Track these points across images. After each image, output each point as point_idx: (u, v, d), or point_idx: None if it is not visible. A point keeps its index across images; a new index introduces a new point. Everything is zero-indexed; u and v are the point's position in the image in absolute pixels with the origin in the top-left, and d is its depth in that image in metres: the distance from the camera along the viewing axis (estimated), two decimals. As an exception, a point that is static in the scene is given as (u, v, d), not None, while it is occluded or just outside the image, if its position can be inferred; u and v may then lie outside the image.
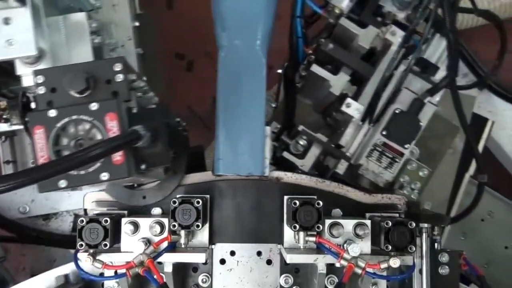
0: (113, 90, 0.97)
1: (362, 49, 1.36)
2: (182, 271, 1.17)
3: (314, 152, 1.34)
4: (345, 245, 1.08)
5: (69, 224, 1.54)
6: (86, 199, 1.19)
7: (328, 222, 1.09)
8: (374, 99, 1.31)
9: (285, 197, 1.15)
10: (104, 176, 0.91)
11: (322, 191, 1.19)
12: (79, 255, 1.06)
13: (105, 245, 1.05)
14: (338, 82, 1.36)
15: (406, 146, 1.32)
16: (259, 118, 1.19)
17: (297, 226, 1.06)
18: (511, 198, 1.98)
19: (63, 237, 1.54)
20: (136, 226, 1.09)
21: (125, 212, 1.15)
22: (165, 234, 1.09)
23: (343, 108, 1.32)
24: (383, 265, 1.05)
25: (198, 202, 1.08)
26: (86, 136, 0.93)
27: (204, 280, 1.17)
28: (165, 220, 1.09)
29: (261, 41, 1.21)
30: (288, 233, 1.14)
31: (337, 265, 1.07)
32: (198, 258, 1.08)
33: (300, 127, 1.35)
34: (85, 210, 1.19)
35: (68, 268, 1.19)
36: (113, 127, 0.93)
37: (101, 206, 1.18)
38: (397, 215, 1.17)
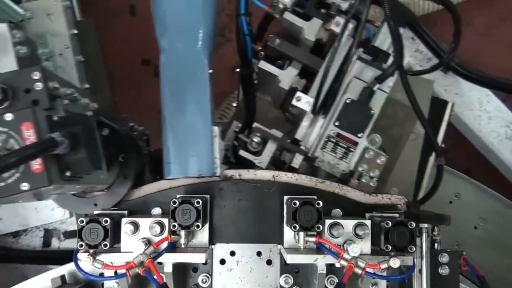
0: (33, 99, 0.95)
1: (310, 42, 1.37)
2: (182, 271, 1.17)
3: (270, 148, 1.34)
4: (345, 245, 1.08)
5: (39, 239, 1.52)
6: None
7: (328, 222, 1.09)
8: (328, 91, 1.32)
9: (285, 197, 1.15)
10: (25, 186, 0.88)
11: (322, 191, 1.19)
12: (79, 255, 1.06)
13: (105, 245, 1.05)
14: (287, 76, 1.37)
15: (359, 135, 1.32)
16: (205, 119, 1.20)
17: (297, 226, 1.06)
18: (483, 176, 2.00)
19: (34, 253, 1.52)
20: (136, 226, 1.09)
21: (125, 212, 1.15)
22: (165, 234, 1.09)
23: (294, 102, 1.33)
24: (383, 265, 1.05)
25: (198, 202, 1.08)
26: (4, 147, 0.90)
27: (204, 280, 1.17)
28: (165, 220, 1.09)
29: (202, 42, 1.21)
30: (288, 233, 1.14)
31: (337, 265, 1.08)
32: (198, 258, 1.08)
33: (255, 125, 1.35)
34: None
35: (64, 269, 1.19)
36: (30, 136, 0.90)
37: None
38: (397, 215, 1.17)
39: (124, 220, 1.09)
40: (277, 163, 1.38)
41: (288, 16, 1.38)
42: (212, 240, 1.17)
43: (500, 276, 1.73)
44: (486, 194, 1.74)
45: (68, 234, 1.49)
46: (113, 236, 1.07)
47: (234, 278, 1.17)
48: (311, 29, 1.36)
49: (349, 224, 1.10)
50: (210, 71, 1.24)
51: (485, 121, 2.01)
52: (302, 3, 1.41)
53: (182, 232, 1.09)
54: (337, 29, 1.36)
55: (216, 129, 1.21)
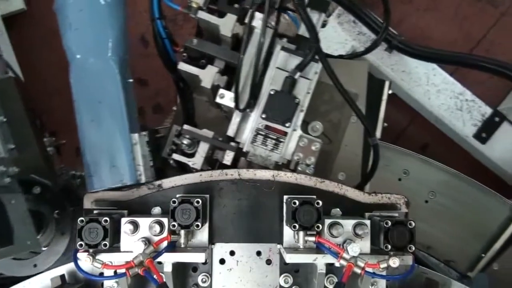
0: None
1: (229, 39, 1.37)
2: (182, 270, 1.17)
3: (203, 148, 1.35)
4: (344, 244, 1.08)
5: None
6: (86, 199, 1.19)
7: (327, 221, 1.09)
8: (253, 85, 1.33)
9: (285, 197, 1.15)
10: None
11: (322, 190, 1.19)
12: (79, 254, 1.06)
13: (105, 245, 1.05)
14: (207, 75, 1.38)
15: (287, 124, 1.33)
16: (121, 128, 1.20)
17: (297, 226, 1.06)
18: (441, 148, 2.05)
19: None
20: (135, 226, 1.09)
21: (125, 211, 1.15)
22: (165, 233, 1.09)
23: (217, 99, 1.35)
24: (383, 265, 1.05)
25: (197, 202, 1.08)
26: None
27: (204, 279, 1.17)
28: (165, 220, 1.09)
29: (112, 51, 1.21)
30: (288, 233, 1.15)
31: (337, 264, 1.07)
32: (197, 258, 1.08)
33: (184, 127, 1.36)
34: (85, 209, 1.18)
35: (63, 269, 1.19)
36: None
37: (101, 206, 1.18)
38: (396, 214, 1.17)
39: (123, 220, 1.09)
40: (211, 162, 1.39)
41: (202, 15, 1.38)
42: (211, 240, 1.17)
43: (460, 248, 1.77)
44: (433, 167, 1.76)
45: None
46: (113, 236, 1.07)
47: (234, 278, 1.17)
48: (226, 26, 1.37)
49: (348, 224, 1.10)
50: (130, 80, 1.25)
51: (435, 95, 2.05)
52: (216, 0, 1.41)
53: (182, 232, 1.10)
54: (253, 23, 1.36)
55: (136, 136, 1.21)
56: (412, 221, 1.07)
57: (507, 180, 2.00)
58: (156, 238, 1.08)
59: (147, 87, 2.23)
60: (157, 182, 1.20)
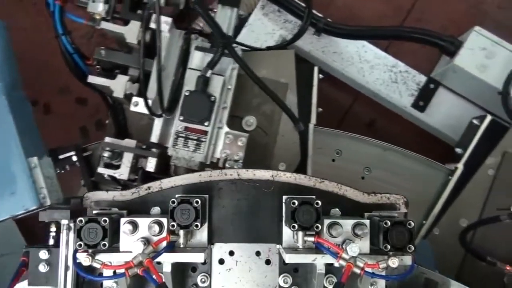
0: None
1: (135, 45, 1.37)
2: (181, 271, 1.17)
3: (127, 158, 1.36)
4: (343, 244, 1.07)
5: None
6: (85, 199, 1.19)
7: (327, 222, 1.09)
8: (172, 88, 1.36)
9: (284, 197, 1.15)
10: None
11: (321, 191, 1.19)
12: (78, 254, 1.06)
13: (104, 245, 1.05)
14: (118, 85, 1.39)
15: (206, 123, 1.34)
16: (16, 155, 1.20)
17: (296, 226, 1.06)
18: (387, 122, 2.07)
19: None
20: (135, 226, 1.09)
21: (124, 212, 1.15)
22: (164, 234, 1.09)
23: (132, 108, 1.35)
24: (382, 265, 1.04)
25: (197, 202, 1.08)
26: None
27: (203, 280, 1.17)
28: (164, 220, 1.09)
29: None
30: (287, 233, 1.14)
31: (336, 264, 1.07)
32: (197, 258, 1.08)
33: (107, 139, 1.37)
34: (84, 209, 1.18)
35: None
36: None
37: (100, 206, 1.18)
38: (395, 214, 1.17)
39: (123, 220, 1.09)
40: (136, 170, 1.39)
41: (105, 25, 1.39)
42: (211, 240, 1.17)
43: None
44: (364, 143, 1.77)
45: None
46: (112, 236, 1.07)
47: (233, 278, 1.17)
48: (130, 33, 1.37)
49: (347, 224, 1.10)
50: (27, 104, 1.23)
51: (368, 71, 2.06)
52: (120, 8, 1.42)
53: (181, 232, 1.09)
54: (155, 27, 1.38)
55: (34, 160, 1.22)
56: (411, 221, 1.07)
57: (452, 143, 2.02)
58: (155, 238, 1.08)
59: (86, 106, 2.20)
60: (157, 182, 1.20)
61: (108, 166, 1.38)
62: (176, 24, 1.48)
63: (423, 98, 2.04)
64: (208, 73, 1.36)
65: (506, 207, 1.59)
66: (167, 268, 1.09)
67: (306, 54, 2.05)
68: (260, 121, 1.58)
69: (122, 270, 1.04)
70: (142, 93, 1.35)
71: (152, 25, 1.38)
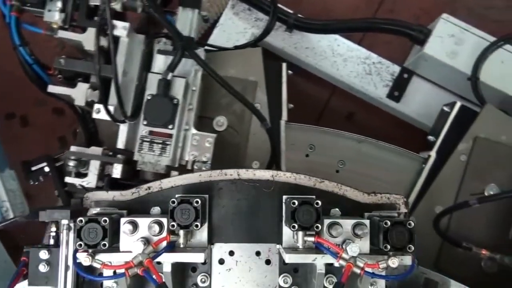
0: None
1: (94, 52, 1.37)
2: (181, 271, 1.17)
3: (94, 166, 1.36)
4: (343, 244, 1.08)
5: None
6: (85, 199, 1.19)
7: (327, 221, 1.09)
8: (135, 94, 1.37)
9: (284, 197, 1.15)
10: None
11: (321, 191, 1.19)
12: (78, 254, 1.06)
13: (104, 245, 1.05)
14: (79, 93, 1.39)
15: (170, 126, 1.35)
16: None
17: (296, 226, 1.06)
18: (366, 114, 2.04)
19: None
20: (135, 226, 1.09)
21: (124, 211, 1.15)
22: (164, 234, 1.09)
23: (94, 115, 1.36)
24: (382, 265, 1.04)
25: (197, 202, 1.08)
26: None
27: (203, 280, 1.17)
28: (164, 220, 1.09)
29: None
30: (287, 233, 1.14)
31: (336, 264, 1.07)
32: (197, 258, 1.08)
33: (72, 148, 1.38)
34: (84, 209, 1.18)
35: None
36: None
37: (100, 206, 1.18)
38: (396, 214, 1.17)
39: (123, 220, 1.09)
40: (104, 178, 1.40)
41: (62, 34, 1.38)
42: (211, 240, 1.17)
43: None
44: (337, 136, 1.75)
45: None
46: (112, 236, 1.07)
47: (233, 278, 1.17)
48: (88, 40, 1.37)
49: (347, 224, 1.10)
50: None
51: (342, 65, 2.05)
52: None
53: (181, 232, 1.10)
54: (117, 32, 1.39)
55: None
56: (411, 221, 1.07)
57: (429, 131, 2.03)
58: (156, 238, 1.08)
59: (64, 116, 2.18)
60: (157, 182, 1.20)
61: (76, 175, 1.38)
62: (147, 28, 1.49)
63: (398, 88, 2.03)
64: (169, 76, 1.36)
65: (479, 192, 1.59)
66: (167, 268, 1.09)
67: (280, 51, 2.05)
68: (231, 120, 1.58)
69: (122, 270, 1.04)
70: (101, 100, 1.35)
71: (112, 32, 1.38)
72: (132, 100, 1.43)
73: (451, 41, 1.84)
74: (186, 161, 1.43)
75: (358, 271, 1.04)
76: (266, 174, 1.19)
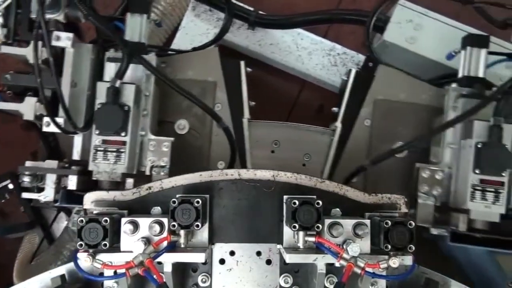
0: None
1: (34, 65, 1.34)
2: (182, 271, 1.17)
3: (51, 179, 1.37)
4: (344, 244, 1.07)
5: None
6: (86, 199, 1.19)
7: (327, 221, 1.09)
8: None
9: (285, 197, 1.15)
10: None
11: (322, 191, 1.19)
12: (79, 254, 1.06)
13: (105, 245, 1.05)
14: (27, 107, 1.39)
15: (122, 134, 1.35)
16: None
17: (297, 226, 1.06)
18: (326, 113, 2.02)
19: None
20: (135, 226, 1.09)
21: (125, 211, 1.15)
22: (165, 234, 1.09)
23: (44, 128, 1.37)
24: (383, 265, 1.05)
25: (197, 202, 1.08)
26: None
27: (204, 280, 1.17)
28: (165, 220, 1.09)
29: None
30: (288, 233, 1.14)
31: (337, 264, 1.07)
32: (197, 258, 1.08)
33: (27, 164, 1.38)
34: (84, 209, 1.18)
35: (63, 269, 1.19)
36: None
37: (101, 206, 1.18)
38: (396, 214, 1.17)
39: (123, 220, 1.09)
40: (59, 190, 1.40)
41: (6, 49, 1.38)
42: (211, 240, 1.17)
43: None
44: (300, 130, 1.73)
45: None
46: (113, 236, 1.07)
47: (234, 278, 1.17)
48: (32, 54, 1.35)
49: (348, 224, 1.10)
50: None
51: (307, 58, 2.05)
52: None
53: (182, 232, 1.09)
54: (59, 43, 1.39)
55: None
56: (412, 221, 1.07)
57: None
58: (156, 238, 1.08)
59: (33, 130, 2.18)
60: (158, 182, 1.20)
61: (36, 189, 1.39)
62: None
63: (364, 77, 2.04)
64: (117, 83, 1.35)
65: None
66: (167, 268, 1.09)
67: (244, 50, 2.04)
68: (193, 123, 1.59)
69: (123, 270, 1.04)
70: (49, 113, 1.35)
71: (55, 43, 1.38)
72: (85, 110, 1.44)
73: (409, 26, 1.83)
74: (145, 167, 1.43)
75: (358, 271, 1.04)
76: (267, 174, 1.19)
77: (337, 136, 1.66)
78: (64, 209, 1.58)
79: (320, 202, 1.07)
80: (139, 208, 1.18)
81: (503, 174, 1.35)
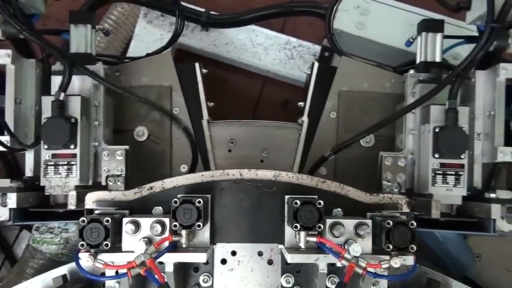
0: None
1: None
2: (183, 271, 1.18)
3: (12, 198, 1.34)
4: (346, 244, 1.07)
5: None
6: (87, 199, 1.19)
7: (329, 221, 1.09)
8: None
9: (286, 197, 1.15)
10: None
11: (323, 191, 1.19)
12: (80, 254, 1.06)
13: (106, 245, 1.05)
14: None
15: (72, 146, 1.35)
16: None
17: (298, 226, 1.06)
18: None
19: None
20: (137, 226, 1.09)
21: (126, 212, 1.15)
22: (166, 234, 1.09)
23: None
24: (384, 265, 1.04)
25: (199, 202, 1.08)
26: None
27: (205, 280, 1.17)
28: (166, 220, 1.09)
29: None
30: (289, 233, 1.14)
31: (338, 264, 1.07)
32: (199, 258, 1.08)
33: None
34: (86, 210, 1.19)
35: (65, 269, 1.19)
36: None
37: (102, 206, 1.18)
38: (398, 214, 1.17)
39: (125, 220, 1.09)
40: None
41: None
42: (213, 240, 1.17)
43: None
44: (254, 126, 1.72)
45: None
46: (114, 236, 1.07)
47: (235, 278, 1.17)
48: None
49: (350, 224, 1.09)
50: None
51: (264, 54, 2.07)
52: None
53: (183, 232, 1.09)
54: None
55: None
56: (413, 221, 1.07)
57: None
58: (158, 238, 1.08)
59: None
60: (160, 182, 1.20)
61: None
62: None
63: (322, 67, 2.05)
64: (61, 96, 1.35)
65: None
66: (169, 268, 1.09)
67: (200, 51, 2.06)
68: (152, 128, 1.59)
69: (125, 270, 1.04)
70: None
71: None
72: (34, 126, 1.43)
73: (357, 13, 1.85)
74: (88, 184, 1.42)
75: (360, 271, 1.03)
76: (268, 174, 1.19)
77: (305, 130, 1.66)
78: (27, 227, 1.57)
79: (322, 202, 1.07)
80: (140, 208, 1.18)
81: (462, 157, 1.35)
